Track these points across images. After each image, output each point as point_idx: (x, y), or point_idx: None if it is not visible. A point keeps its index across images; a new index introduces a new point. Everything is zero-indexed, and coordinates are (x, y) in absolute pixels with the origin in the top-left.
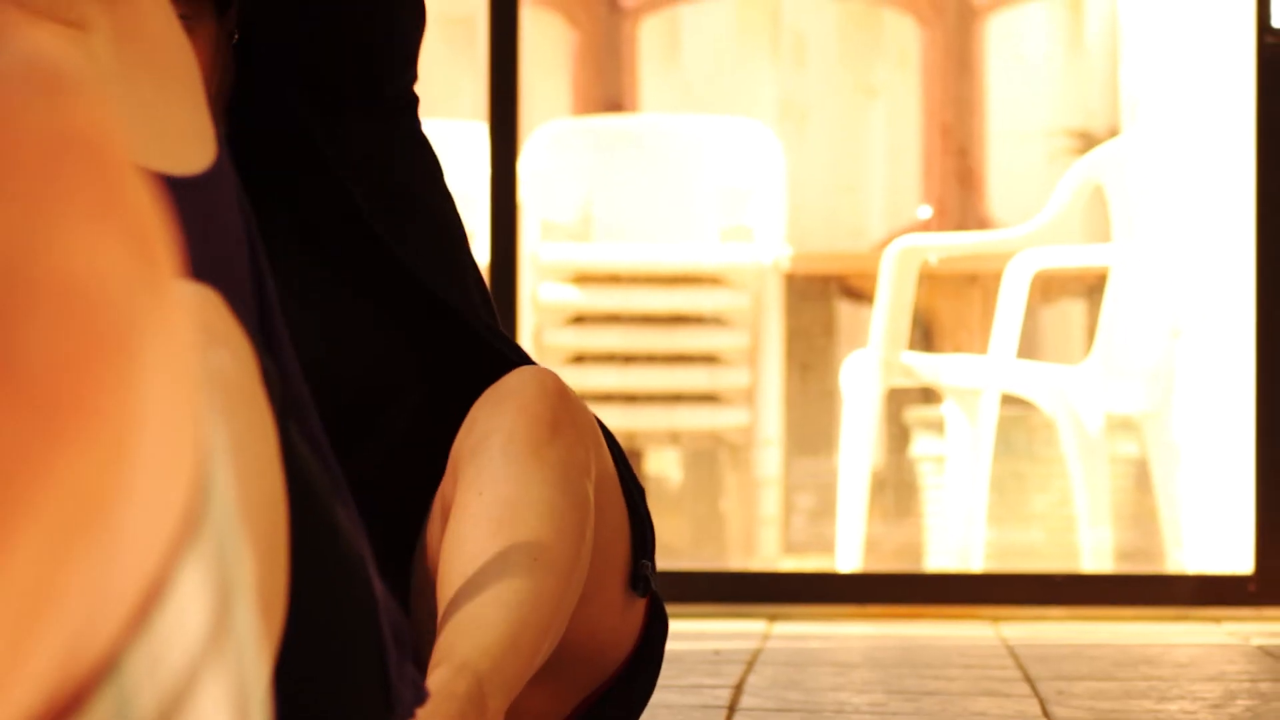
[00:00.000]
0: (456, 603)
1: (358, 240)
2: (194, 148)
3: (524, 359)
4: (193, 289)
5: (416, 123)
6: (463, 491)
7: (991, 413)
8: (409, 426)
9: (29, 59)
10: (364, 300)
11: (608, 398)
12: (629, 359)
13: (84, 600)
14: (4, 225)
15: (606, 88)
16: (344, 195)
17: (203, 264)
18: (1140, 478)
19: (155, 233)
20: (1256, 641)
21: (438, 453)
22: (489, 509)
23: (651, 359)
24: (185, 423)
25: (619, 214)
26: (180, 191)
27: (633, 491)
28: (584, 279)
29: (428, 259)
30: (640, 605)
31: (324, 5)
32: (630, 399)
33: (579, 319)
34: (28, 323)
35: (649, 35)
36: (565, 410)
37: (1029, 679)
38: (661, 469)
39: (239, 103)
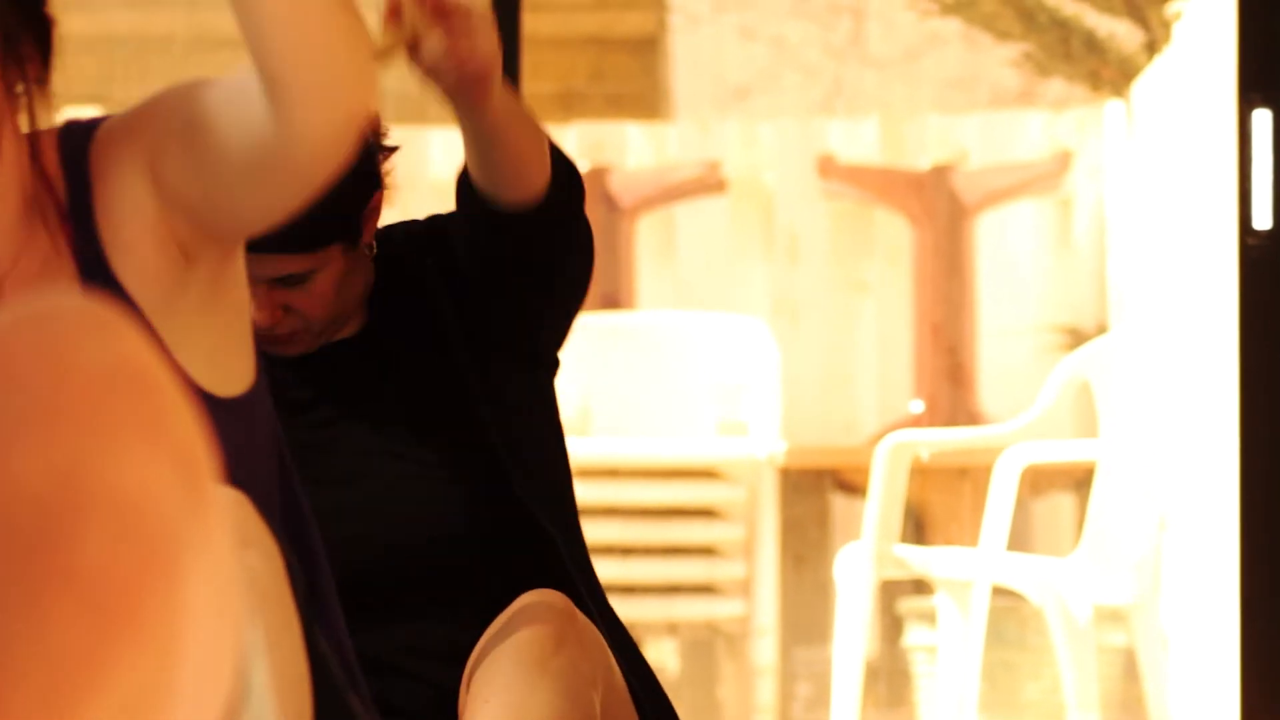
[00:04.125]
0: None
1: (463, 420)
2: (236, 373)
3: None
4: (227, 493)
5: (551, 383)
6: (472, 700)
7: (982, 604)
8: (448, 611)
9: (83, 301)
10: (460, 485)
11: (606, 589)
12: (627, 551)
13: None
14: (64, 448)
15: (604, 284)
16: (458, 380)
17: (236, 472)
18: (1128, 667)
19: (197, 449)
20: None
21: (453, 653)
22: (496, 713)
23: (649, 551)
24: (227, 622)
25: (616, 408)
26: (221, 409)
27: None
28: (583, 473)
29: (540, 490)
30: None
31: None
32: (628, 590)
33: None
34: (86, 536)
35: (646, 233)
36: (571, 627)
37: None
38: (659, 659)
39: (378, 298)
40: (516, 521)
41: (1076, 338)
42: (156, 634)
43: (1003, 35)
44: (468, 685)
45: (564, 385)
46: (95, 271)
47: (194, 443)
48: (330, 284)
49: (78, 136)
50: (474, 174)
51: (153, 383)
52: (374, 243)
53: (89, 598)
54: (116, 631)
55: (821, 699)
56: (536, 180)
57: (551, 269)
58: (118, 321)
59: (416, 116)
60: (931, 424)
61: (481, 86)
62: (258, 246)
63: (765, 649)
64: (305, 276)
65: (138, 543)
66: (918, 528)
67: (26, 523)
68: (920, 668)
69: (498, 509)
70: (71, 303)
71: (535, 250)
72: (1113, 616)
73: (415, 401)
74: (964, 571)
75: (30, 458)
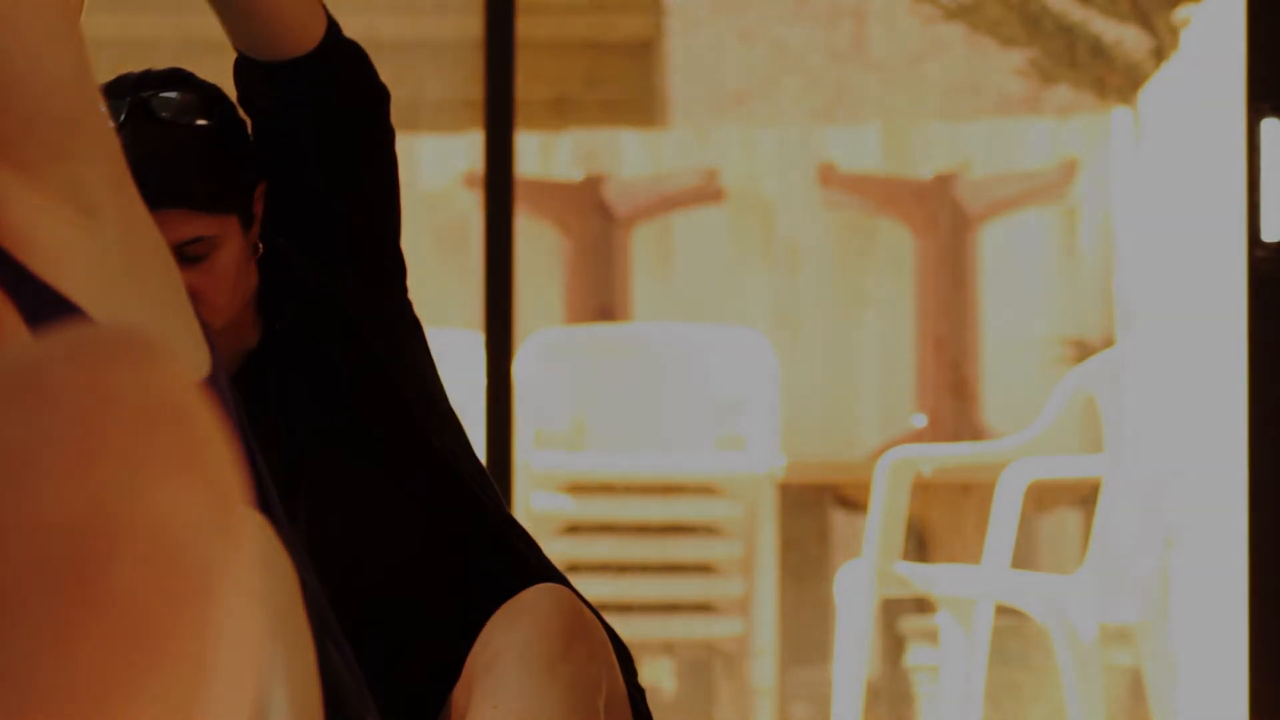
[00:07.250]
0: None
1: (401, 428)
2: (197, 351)
3: (542, 562)
4: (253, 516)
5: (409, 306)
6: (477, 704)
7: (986, 623)
8: (428, 623)
9: (122, 330)
10: (409, 492)
11: (601, 607)
12: (622, 569)
13: None
14: (100, 478)
15: (598, 296)
16: (387, 385)
17: None
18: (1135, 687)
19: (229, 476)
20: None
21: (451, 654)
22: (503, 718)
23: (645, 569)
24: (251, 645)
25: (612, 423)
26: None
27: (638, 704)
28: (577, 489)
29: (458, 451)
30: None
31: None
32: (624, 609)
33: (572, 529)
34: (119, 566)
35: (642, 244)
36: (579, 627)
37: None
38: (655, 679)
39: (267, 303)
40: (465, 500)
41: (1082, 350)
42: (186, 662)
43: (1007, 41)
44: (469, 687)
45: (558, 399)
46: (12, 277)
47: (227, 471)
48: (231, 264)
49: None
50: (240, 40)
51: (189, 412)
52: (260, 244)
53: (120, 627)
54: (146, 661)
55: None
56: (310, 25)
57: (350, 110)
58: (155, 350)
59: (408, 124)
60: (934, 439)
61: None
62: (160, 202)
63: (764, 669)
64: (206, 249)
65: (171, 573)
66: (920, 545)
67: (61, 551)
68: (922, 688)
69: (450, 498)
70: (109, 332)
71: (333, 91)
72: (1119, 635)
73: (334, 391)
74: (967, 589)
75: (66, 487)
